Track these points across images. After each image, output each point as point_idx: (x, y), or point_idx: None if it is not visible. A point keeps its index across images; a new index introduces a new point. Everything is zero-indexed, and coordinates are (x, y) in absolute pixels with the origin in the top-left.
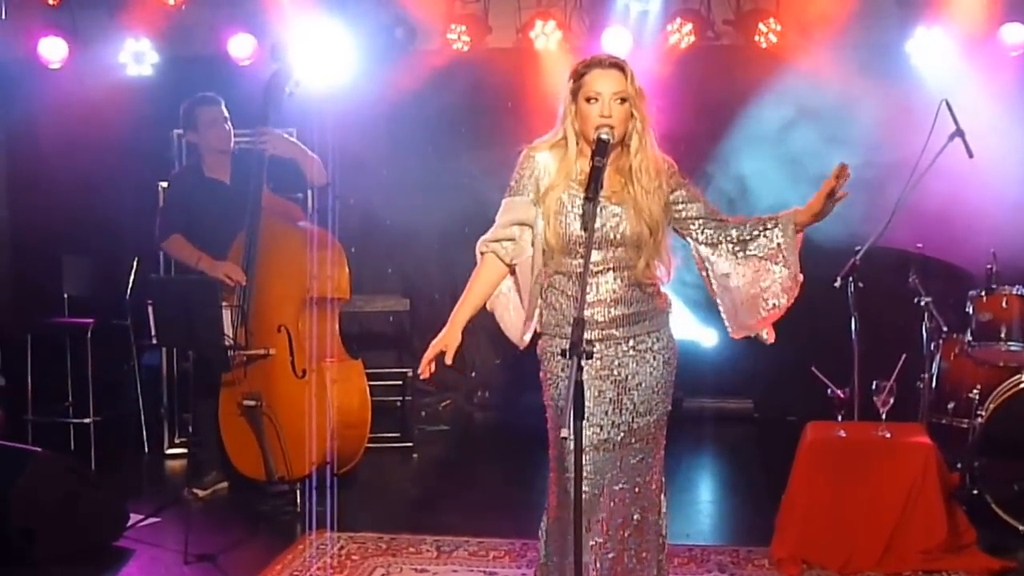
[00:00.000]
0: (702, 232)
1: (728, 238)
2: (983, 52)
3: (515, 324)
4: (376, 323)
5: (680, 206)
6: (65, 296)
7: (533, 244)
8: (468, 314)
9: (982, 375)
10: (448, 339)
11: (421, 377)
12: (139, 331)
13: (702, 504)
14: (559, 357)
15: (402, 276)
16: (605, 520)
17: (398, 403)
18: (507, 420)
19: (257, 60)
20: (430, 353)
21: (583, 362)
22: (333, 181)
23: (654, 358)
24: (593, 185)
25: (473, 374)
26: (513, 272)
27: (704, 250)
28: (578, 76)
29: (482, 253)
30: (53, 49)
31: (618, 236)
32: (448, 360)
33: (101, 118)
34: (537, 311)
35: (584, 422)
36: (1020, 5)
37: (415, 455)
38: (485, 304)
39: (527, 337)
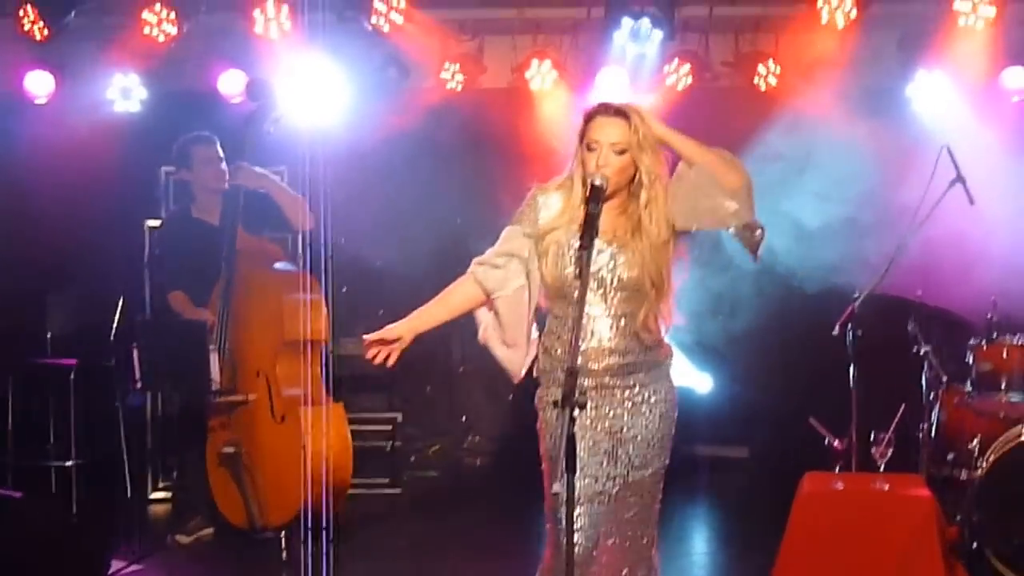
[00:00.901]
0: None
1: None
2: (984, 97)
3: (508, 358)
4: (366, 367)
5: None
6: (48, 335)
7: (528, 276)
8: (426, 322)
9: (982, 426)
10: (398, 332)
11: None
12: (123, 373)
13: (696, 556)
14: (552, 407)
15: (393, 318)
16: (598, 574)
17: (387, 448)
18: (499, 466)
19: (247, 97)
20: (377, 334)
21: (576, 413)
22: (325, 220)
23: (650, 411)
24: (587, 232)
25: (464, 418)
26: (492, 306)
27: None
28: (586, 119)
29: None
30: (39, 83)
31: (616, 280)
32: (391, 361)
33: (87, 154)
34: (532, 355)
35: (578, 473)
36: (1022, 50)
37: (403, 501)
38: (446, 319)
39: (522, 371)
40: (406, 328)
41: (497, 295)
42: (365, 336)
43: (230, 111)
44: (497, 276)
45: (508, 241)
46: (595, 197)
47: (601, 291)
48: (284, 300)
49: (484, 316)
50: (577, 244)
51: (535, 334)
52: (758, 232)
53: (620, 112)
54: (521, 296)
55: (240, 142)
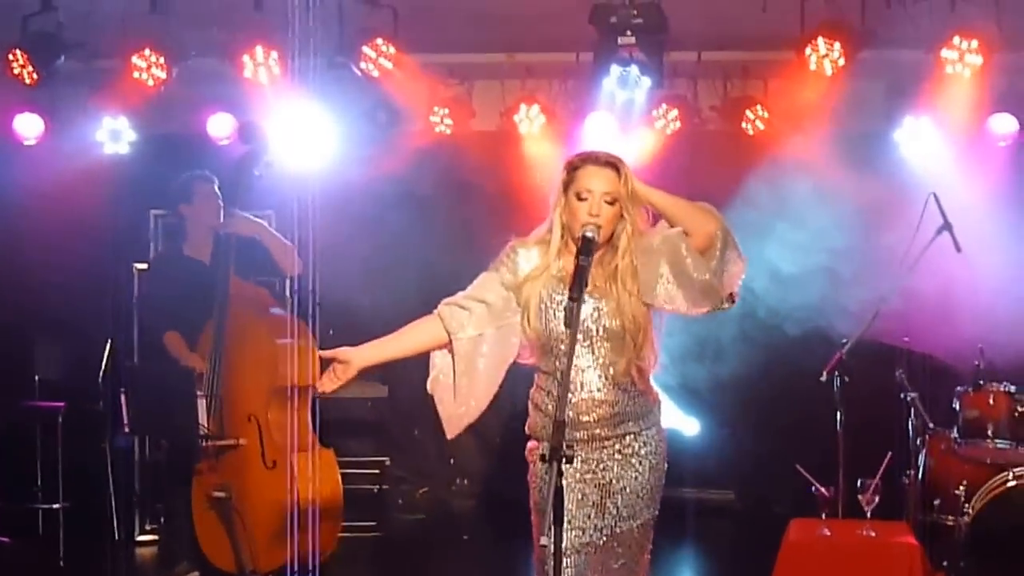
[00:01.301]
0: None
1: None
2: (971, 143)
3: (449, 410)
4: (354, 409)
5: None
6: (36, 379)
7: (495, 328)
8: (380, 354)
9: (968, 472)
10: (348, 356)
11: (322, 390)
12: (111, 417)
13: None
14: (540, 461)
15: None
16: None
17: (374, 491)
18: (486, 509)
19: (236, 140)
20: (331, 353)
21: (564, 467)
22: (313, 264)
23: (640, 463)
24: (578, 285)
25: (452, 461)
26: (450, 349)
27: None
28: (572, 169)
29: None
30: (29, 126)
31: (601, 330)
32: (327, 388)
33: (76, 196)
34: (474, 416)
35: (566, 525)
36: (1009, 96)
37: (391, 544)
38: (401, 355)
39: (459, 429)
40: (355, 355)
41: (458, 336)
42: (320, 351)
43: (219, 154)
44: (461, 318)
45: (481, 287)
46: (587, 249)
47: (588, 342)
48: (278, 345)
49: (439, 361)
50: (561, 297)
51: (488, 395)
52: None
53: (610, 162)
54: (478, 344)
55: (232, 184)
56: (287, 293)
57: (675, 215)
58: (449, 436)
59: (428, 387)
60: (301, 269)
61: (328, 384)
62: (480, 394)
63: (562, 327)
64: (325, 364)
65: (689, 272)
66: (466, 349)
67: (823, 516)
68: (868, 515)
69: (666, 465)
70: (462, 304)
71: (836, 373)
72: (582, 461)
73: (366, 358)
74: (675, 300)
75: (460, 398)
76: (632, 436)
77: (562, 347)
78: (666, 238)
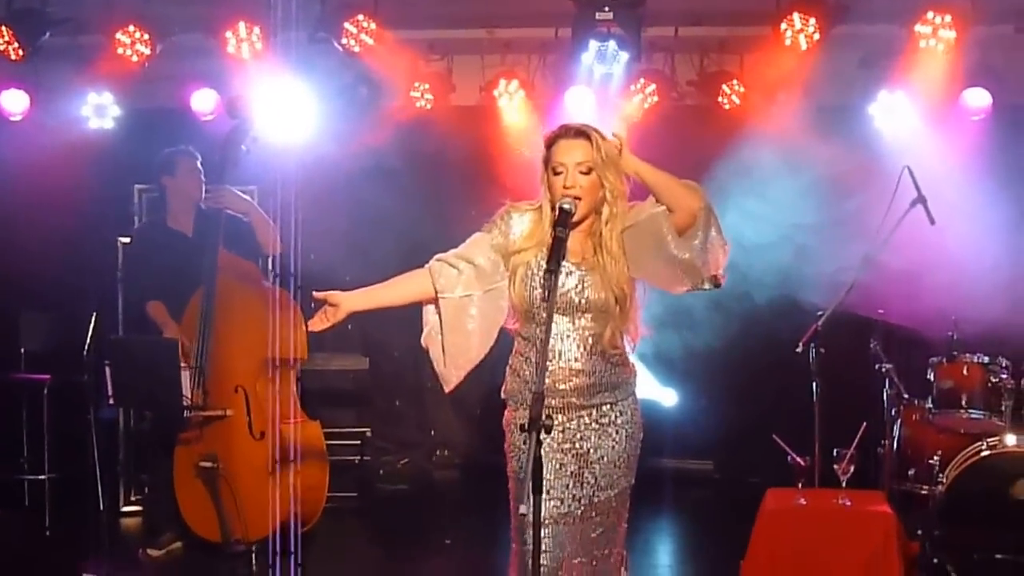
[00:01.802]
0: None
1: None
2: (945, 117)
3: (443, 366)
4: (336, 381)
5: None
6: (22, 351)
7: (482, 290)
8: (369, 301)
9: (943, 442)
10: (338, 299)
11: (312, 329)
12: (96, 389)
13: (660, 569)
14: (519, 431)
15: (362, 334)
16: None
17: (356, 461)
18: (467, 479)
19: (219, 115)
20: (324, 294)
21: (543, 436)
22: (295, 237)
23: (616, 432)
24: (554, 256)
25: (432, 432)
26: (437, 307)
27: None
28: (548, 145)
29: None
30: (14, 101)
31: (583, 302)
32: (317, 328)
33: (61, 171)
34: (467, 371)
35: (544, 495)
36: (983, 70)
37: (372, 514)
38: (389, 303)
39: (454, 383)
40: (345, 300)
41: (444, 296)
42: (315, 292)
43: (202, 129)
44: (450, 276)
45: (473, 247)
46: (563, 221)
47: (569, 313)
48: (266, 317)
49: (431, 317)
50: (545, 267)
51: (480, 353)
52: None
53: (581, 132)
54: (465, 306)
55: (220, 159)
56: (268, 269)
57: (660, 191)
58: (446, 390)
59: (422, 341)
60: (282, 249)
61: (318, 324)
62: (472, 354)
63: (542, 296)
64: (317, 306)
65: (671, 250)
66: (454, 308)
67: (799, 485)
68: (844, 484)
69: (642, 434)
70: (452, 262)
71: (812, 344)
72: (560, 431)
73: (356, 303)
74: (658, 277)
75: (450, 356)
76: (608, 406)
77: (542, 315)
78: (652, 216)
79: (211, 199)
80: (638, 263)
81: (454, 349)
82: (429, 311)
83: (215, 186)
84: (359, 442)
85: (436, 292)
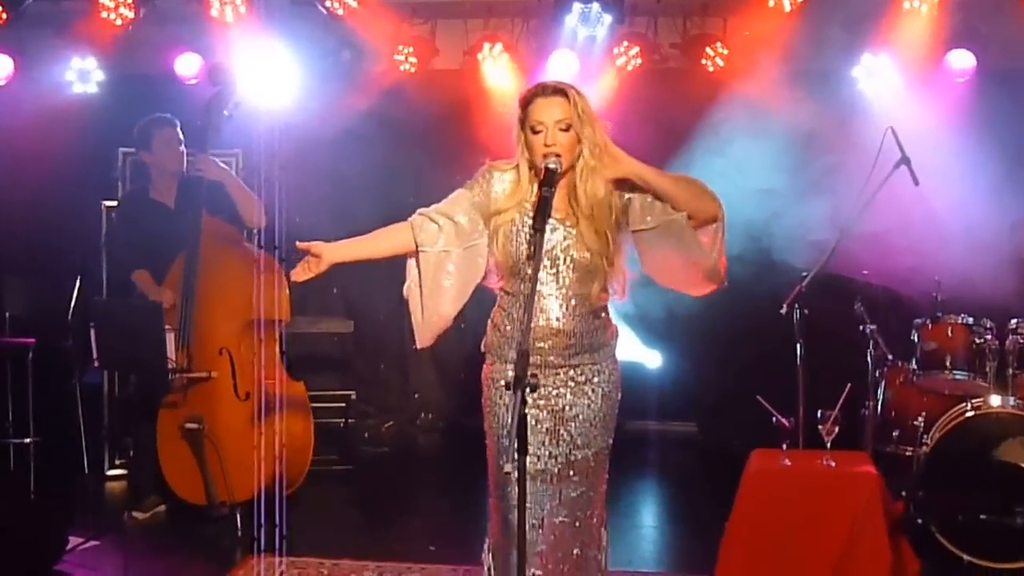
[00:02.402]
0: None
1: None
2: (929, 78)
3: (419, 321)
4: (320, 344)
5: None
6: (6, 315)
7: (461, 247)
8: (351, 252)
9: (927, 403)
10: (320, 250)
11: (294, 279)
12: (81, 352)
13: (645, 530)
14: (502, 387)
15: (346, 297)
16: (546, 553)
17: (340, 425)
18: (450, 443)
19: (203, 80)
20: (307, 244)
21: (528, 394)
22: (279, 201)
23: (592, 391)
24: (540, 215)
25: (416, 396)
26: (417, 261)
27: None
28: (524, 104)
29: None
30: None
31: (569, 260)
32: (298, 278)
33: (45, 136)
34: (442, 328)
35: None
36: (966, 31)
37: (356, 478)
38: (370, 256)
39: (427, 340)
40: (327, 250)
41: (424, 249)
42: (298, 243)
43: (187, 93)
44: (431, 231)
45: (454, 203)
46: (549, 180)
47: (554, 270)
48: (249, 279)
49: (412, 270)
50: (530, 224)
51: (453, 309)
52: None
53: (558, 90)
54: (443, 261)
55: (201, 125)
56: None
57: (677, 198)
58: (419, 345)
59: (404, 292)
60: (265, 222)
61: (300, 274)
62: (445, 311)
63: (527, 250)
64: (300, 256)
65: (694, 257)
66: (432, 263)
67: (784, 447)
68: (828, 446)
69: (619, 395)
70: (433, 217)
71: (796, 306)
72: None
73: (338, 254)
74: (678, 281)
75: (426, 311)
76: (587, 366)
77: (528, 270)
78: (672, 222)
79: (191, 167)
80: (658, 267)
81: (430, 302)
82: (411, 265)
83: (197, 152)
84: (343, 405)
85: (416, 246)
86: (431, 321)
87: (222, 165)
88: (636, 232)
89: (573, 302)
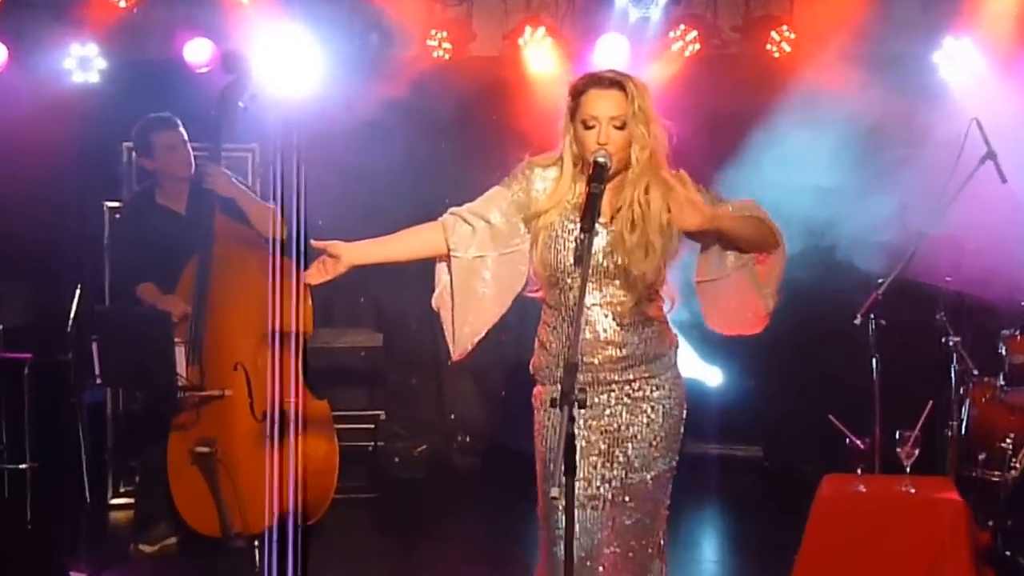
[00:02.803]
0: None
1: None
2: (1017, 64)
3: (453, 331)
4: (346, 359)
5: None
6: (0, 328)
7: (498, 251)
8: (375, 253)
9: (1016, 423)
10: (339, 250)
11: (308, 280)
12: (82, 367)
13: (705, 564)
14: (549, 406)
15: (375, 307)
16: None
17: (369, 448)
18: (491, 468)
19: (215, 67)
20: (323, 244)
21: (575, 412)
22: (300, 203)
23: (651, 408)
24: (588, 214)
25: (452, 415)
26: (448, 266)
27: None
28: (576, 94)
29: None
30: None
31: (611, 267)
32: (313, 280)
33: (43, 129)
34: (478, 337)
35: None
36: None
37: (387, 507)
38: (396, 258)
39: (463, 352)
40: (347, 251)
41: (457, 255)
42: (314, 241)
43: (197, 82)
44: (463, 233)
45: (489, 202)
46: (598, 176)
47: (596, 278)
48: (268, 286)
49: (443, 276)
50: (573, 226)
51: (489, 320)
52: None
53: (615, 82)
54: (477, 268)
55: (215, 117)
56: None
57: (749, 242)
58: (454, 358)
59: (433, 302)
60: (284, 232)
61: (316, 276)
62: (479, 322)
63: (571, 260)
64: (316, 255)
65: (754, 299)
66: (464, 269)
67: (858, 471)
68: (907, 469)
69: (684, 413)
70: (467, 218)
71: (871, 316)
72: (588, 405)
73: (358, 255)
74: (732, 325)
75: (458, 321)
76: (643, 380)
77: (568, 281)
78: (741, 268)
79: (201, 179)
80: (716, 311)
81: (462, 312)
82: (442, 269)
83: (210, 147)
84: (371, 426)
85: (448, 249)
86: (463, 333)
87: (234, 180)
88: (702, 283)
89: (620, 311)
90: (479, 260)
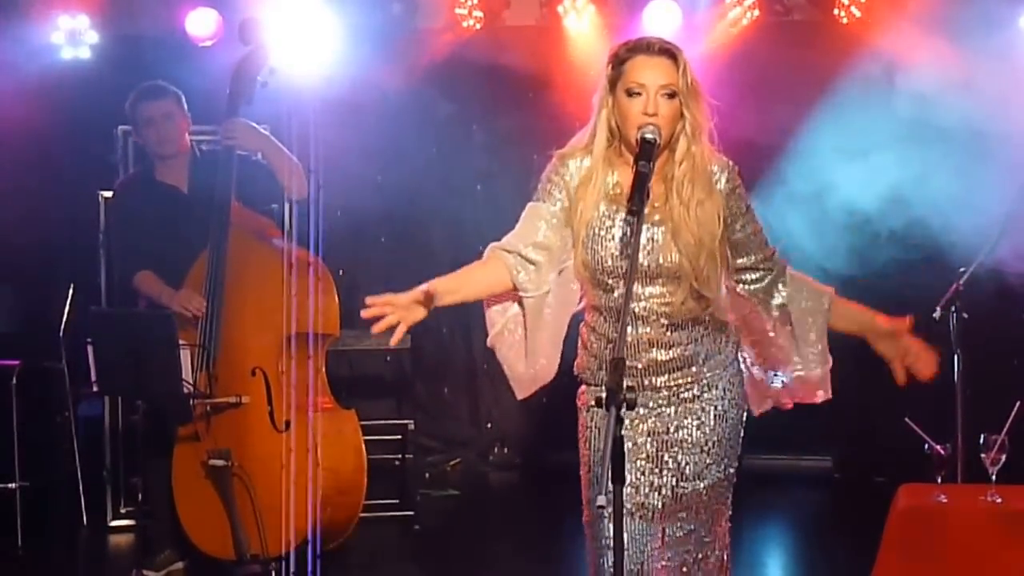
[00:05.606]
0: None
1: (765, 296)
2: None
3: (518, 370)
4: (370, 364)
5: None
6: None
7: (558, 273)
8: (446, 292)
9: None
10: (404, 299)
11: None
12: (76, 375)
13: None
14: (593, 406)
15: None
16: None
17: (396, 462)
18: (530, 483)
19: (221, 40)
20: (385, 297)
21: (624, 412)
22: (317, 189)
23: (703, 410)
24: (637, 195)
25: (488, 426)
26: (521, 303)
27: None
28: (619, 62)
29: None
30: None
31: (655, 265)
32: (397, 335)
33: (29, 112)
34: (550, 372)
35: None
36: None
37: (417, 526)
38: (464, 299)
39: (532, 389)
40: (409, 298)
41: (529, 296)
42: (368, 299)
43: (200, 57)
44: (532, 276)
45: (533, 226)
46: (646, 154)
47: (640, 274)
48: (289, 283)
49: (497, 317)
50: (611, 220)
51: (557, 344)
52: None
53: (664, 50)
54: (546, 301)
55: (231, 93)
56: (285, 223)
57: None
58: (519, 397)
59: (489, 342)
60: (308, 191)
61: (396, 337)
62: (548, 351)
63: (613, 253)
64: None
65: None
66: (536, 307)
67: (939, 480)
68: (993, 478)
69: (743, 415)
70: (530, 257)
71: (953, 309)
72: (635, 407)
73: (438, 294)
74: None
75: (530, 358)
76: (695, 379)
77: (610, 281)
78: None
79: (223, 136)
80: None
81: (534, 346)
82: (495, 310)
83: (225, 122)
84: (400, 438)
85: (517, 290)
86: (538, 366)
87: (259, 130)
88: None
89: (665, 310)
90: (547, 294)
